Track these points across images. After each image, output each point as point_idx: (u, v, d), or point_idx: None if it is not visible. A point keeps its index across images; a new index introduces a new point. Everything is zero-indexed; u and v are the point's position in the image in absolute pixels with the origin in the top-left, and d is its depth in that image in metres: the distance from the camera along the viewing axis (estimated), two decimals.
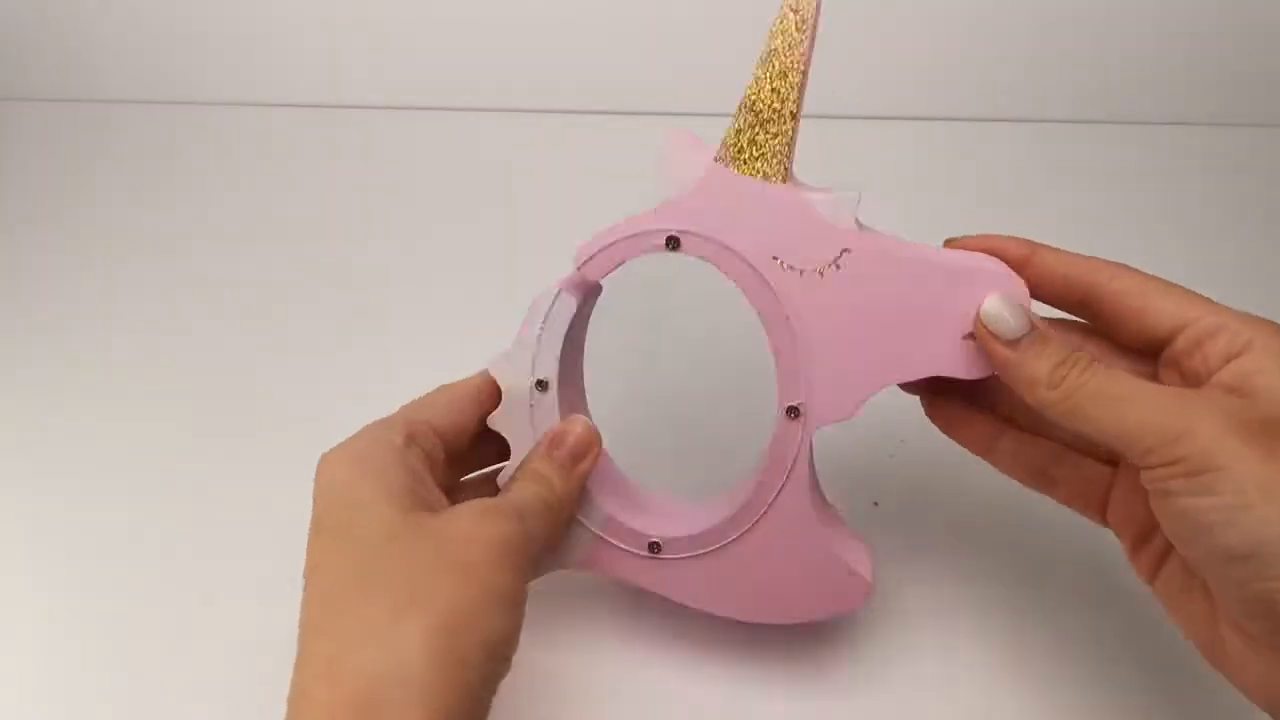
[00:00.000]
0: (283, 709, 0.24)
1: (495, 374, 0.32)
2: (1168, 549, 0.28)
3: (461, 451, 0.31)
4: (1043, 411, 0.27)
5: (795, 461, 0.30)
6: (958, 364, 0.29)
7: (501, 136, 0.58)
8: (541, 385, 0.32)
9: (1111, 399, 0.26)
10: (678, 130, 0.30)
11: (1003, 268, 0.29)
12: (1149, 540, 0.29)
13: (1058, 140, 0.58)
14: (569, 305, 0.32)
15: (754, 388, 0.36)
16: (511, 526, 0.27)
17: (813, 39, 0.30)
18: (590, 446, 0.31)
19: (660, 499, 0.34)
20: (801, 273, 0.30)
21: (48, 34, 0.58)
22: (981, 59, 0.58)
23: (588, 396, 0.34)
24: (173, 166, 0.56)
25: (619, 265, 0.31)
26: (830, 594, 0.32)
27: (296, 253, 0.52)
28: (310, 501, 0.28)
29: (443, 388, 0.32)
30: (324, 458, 0.28)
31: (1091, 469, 0.31)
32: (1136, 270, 0.29)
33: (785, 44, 0.30)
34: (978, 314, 0.28)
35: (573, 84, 0.59)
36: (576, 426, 0.31)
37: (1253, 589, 0.24)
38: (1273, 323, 0.27)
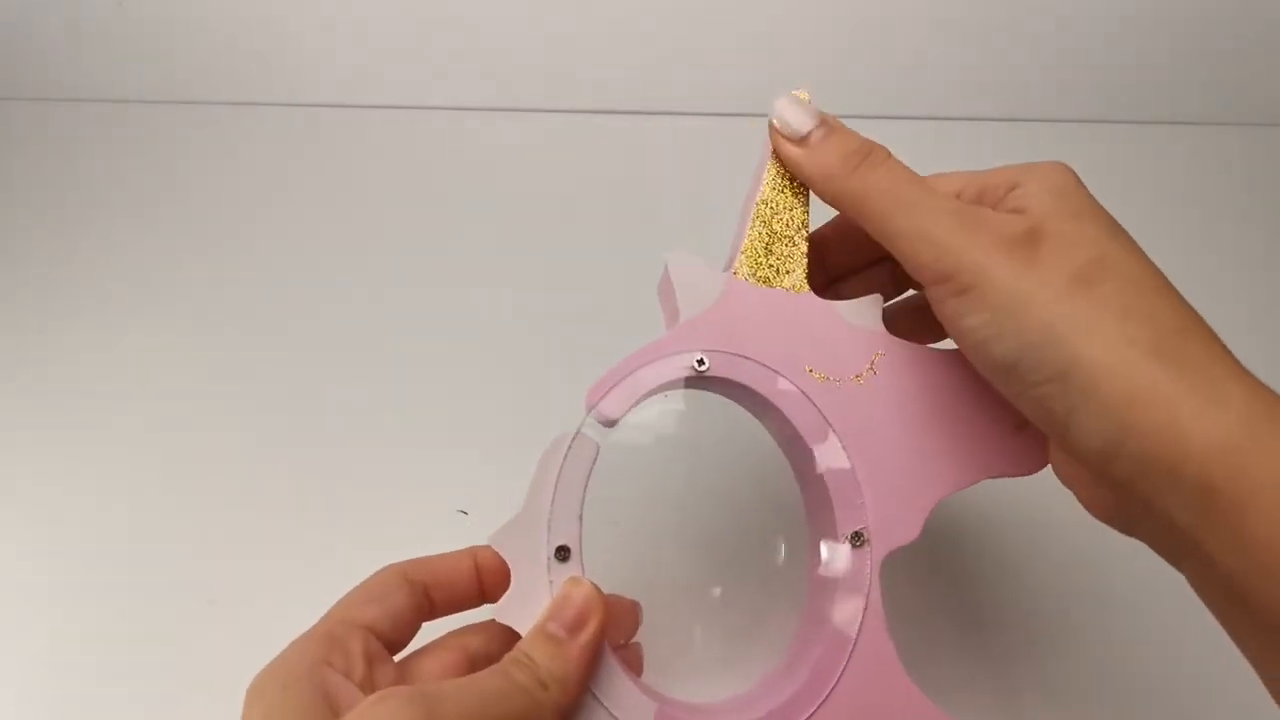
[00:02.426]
0: None
1: (499, 549, 0.26)
2: None
3: (406, 638, 0.28)
4: (835, 206, 0.27)
5: (869, 598, 0.26)
6: (1012, 461, 0.27)
7: (503, 137, 0.58)
8: (562, 553, 0.26)
9: (899, 202, 0.26)
10: (680, 251, 0.28)
11: None
12: None
13: (1058, 140, 0.58)
14: (589, 449, 0.27)
15: (764, 534, 0.34)
16: (405, 712, 0.22)
17: None
18: (590, 612, 0.25)
19: (702, 696, 0.29)
20: (839, 383, 0.27)
21: (48, 34, 0.58)
22: (980, 59, 0.58)
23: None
24: (173, 166, 0.56)
25: (640, 400, 0.27)
26: None
27: (297, 252, 0.52)
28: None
29: (372, 577, 0.28)
30: (251, 684, 0.25)
31: None
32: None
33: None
34: (770, 120, 0.28)
35: (574, 83, 0.59)
36: (575, 590, 0.26)
37: (1025, 398, 0.24)
38: (1054, 162, 0.28)
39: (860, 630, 0.26)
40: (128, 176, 0.56)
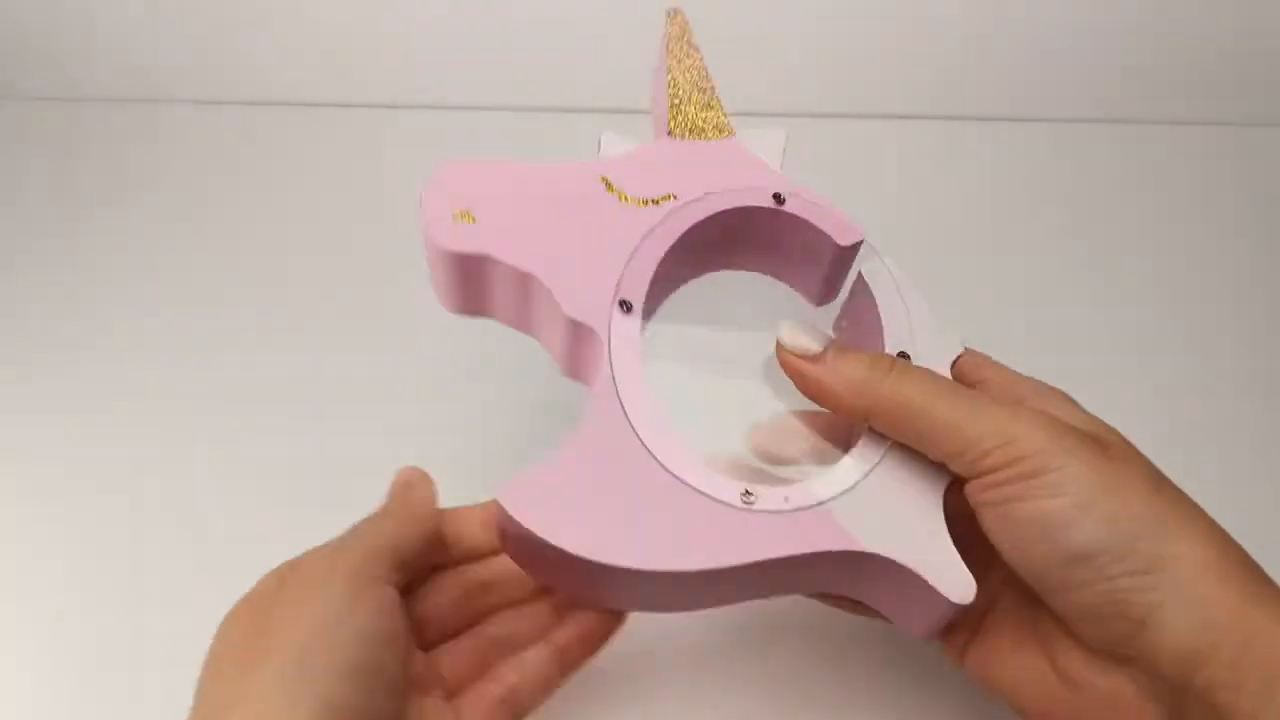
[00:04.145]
0: None
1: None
2: (982, 614, 0.28)
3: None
4: (864, 414, 0.26)
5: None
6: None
7: (504, 137, 0.58)
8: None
9: (941, 394, 0.25)
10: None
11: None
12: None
13: (1058, 140, 0.58)
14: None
15: None
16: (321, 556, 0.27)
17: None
18: (406, 480, 0.31)
19: None
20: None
21: (48, 34, 0.58)
22: (982, 59, 0.58)
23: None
24: (173, 166, 0.56)
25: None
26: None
27: (298, 251, 0.52)
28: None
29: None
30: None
31: None
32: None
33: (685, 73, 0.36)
34: (778, 344, 0.27)
35: (575, 83, 0.59)
36: (399, 474, 0.31)
37: (1098, 589, 0.24)
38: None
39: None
40: (127, 176, 0.56)
